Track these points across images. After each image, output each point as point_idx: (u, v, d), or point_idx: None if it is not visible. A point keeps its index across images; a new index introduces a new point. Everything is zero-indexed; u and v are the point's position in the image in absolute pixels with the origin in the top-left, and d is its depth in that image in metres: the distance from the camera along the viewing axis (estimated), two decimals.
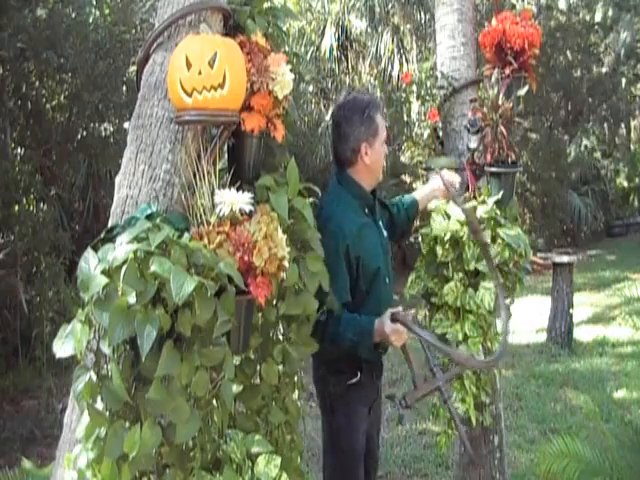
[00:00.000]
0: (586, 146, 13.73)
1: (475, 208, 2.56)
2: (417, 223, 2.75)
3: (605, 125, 15.13)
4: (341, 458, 2.31)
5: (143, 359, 1.38)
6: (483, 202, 2.62)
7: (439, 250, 2.50)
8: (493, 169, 2.69)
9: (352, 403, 2.30)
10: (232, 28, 1.90)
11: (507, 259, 2.53)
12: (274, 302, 1.82)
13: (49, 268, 5.51)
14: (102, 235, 1.62)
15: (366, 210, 2.37)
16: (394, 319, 2.12)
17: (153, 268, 1.39)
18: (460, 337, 2.51)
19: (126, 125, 5.97)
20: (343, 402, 2.28)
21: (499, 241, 2.53)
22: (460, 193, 2.64)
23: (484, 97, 2.77)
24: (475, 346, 2.49)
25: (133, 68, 5.87)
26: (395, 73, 11.39)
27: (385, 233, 2.46)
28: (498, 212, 2.58)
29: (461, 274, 2.51)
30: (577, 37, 12.59)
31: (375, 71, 11.83)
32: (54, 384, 5.04)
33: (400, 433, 4.63)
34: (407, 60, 11.62)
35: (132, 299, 1.39)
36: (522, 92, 2.71)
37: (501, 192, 2.67)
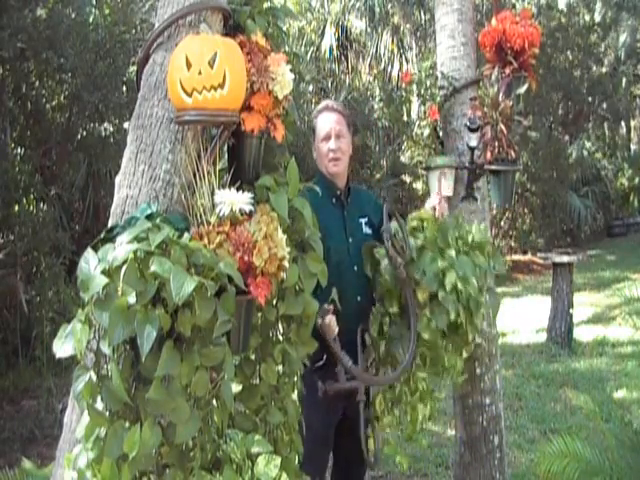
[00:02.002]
0: (586, 146, 13.74)
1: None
2: None
3: (605, 125, 15.15)
4: (306, 437, 2.34)
5: (143, 359, 1.38)
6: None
7: None
8: (493, 167, 2.70)
9: (315, 384, 2.36)
10: (232, 28, 1.89)
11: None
12: (274, 302, 1.82)
13: (49, 268, 5.51)
14: (102, 235, 1.62)
15: (333, 200, 2.57)
16: (321, 314, 2.19)
17: (153, 268, 1.39)
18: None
19: (126, 125, 5.98)
20: (309, 382, 2.30)
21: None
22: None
23: (484, 96, 2.78)
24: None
25: (133, 68, 5.87)
26: (395, 73, 11.40)
27: (366, 230, 2.60)
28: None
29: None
30: (577, 37, 12.59)
31: (375, 71, 11.83)
32: (54, 384, 5.04)
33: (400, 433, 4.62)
34: (407, 60, 11.63)
35: (132, 299, 1.39)
36: (522, 90, 2.71)
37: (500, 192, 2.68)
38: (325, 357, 2.34)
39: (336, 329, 2.25)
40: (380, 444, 2.49)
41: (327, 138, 2.57)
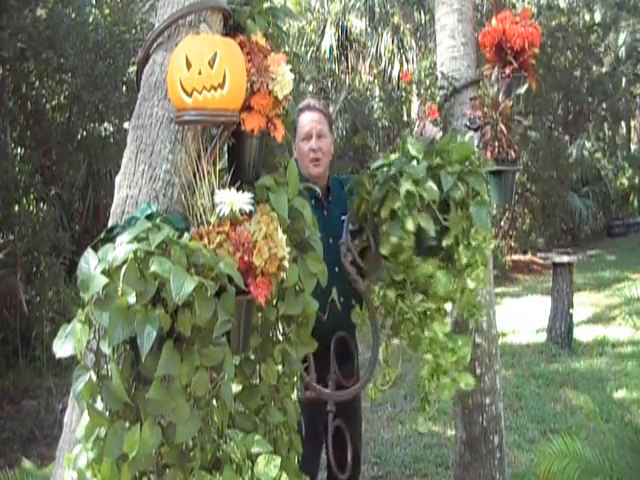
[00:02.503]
0: (586, 146, 13.74)
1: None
2: None
3: (605, 125, 15.15)
4: None
5: (143, 359, 1.38)
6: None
7: None
8: (493, 167, 2.70)
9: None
10: (232, 28, 1.89)
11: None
12: (274, 302, 1.82)
13: (49, 268, 5.52)
14: (102, 235, 1.62)
15: (312, 202, 2.47)
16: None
17: (153, 268, 1.39)
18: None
19: (126, 125, 5.98)
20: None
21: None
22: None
23: (484, 96, 2.78)
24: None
25: (133, 68, 5.87)
26: (395, 73, 11.40)
27: (350, 227, 2.54)
28: None
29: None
30: (577, 37, 12.60)
31: (375, 71, 11.83)
32: (54, 384, 5.04)
33: (400, 433, 4.63)
34: (407, 60, 11.63)
35: (132, 299, 1.39)
36: (522, 90, 2.71)
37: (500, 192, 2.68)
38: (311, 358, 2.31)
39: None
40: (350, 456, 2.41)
41: (308, 137, 2.54)
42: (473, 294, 2.34)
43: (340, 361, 2.40)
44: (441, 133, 2.57)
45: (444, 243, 2.16)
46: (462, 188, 2.14)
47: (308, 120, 2.55)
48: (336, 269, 2.45)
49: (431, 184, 2.09)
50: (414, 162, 2.16)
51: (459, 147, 2.19)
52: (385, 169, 2.24)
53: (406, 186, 2.09)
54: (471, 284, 2.28)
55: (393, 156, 2.29)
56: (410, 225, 2.10)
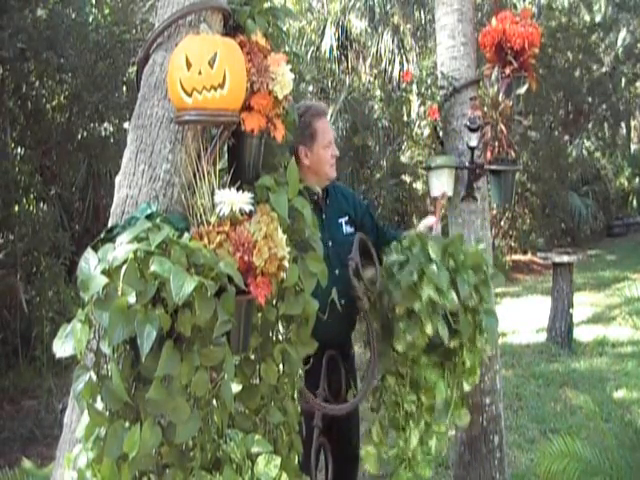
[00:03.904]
0: (586, 146, 13.75)
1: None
2: None
3: (605, 125, 15.15)
4: None
5: (143, 359, 1.38)
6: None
7: None
8: (493, 167, 2.70)
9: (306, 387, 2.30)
10: (232, 28, 1.89)
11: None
12: (274, 302, 1.82)
13: (49, 268, 5.51)
14: (102, 235, 1.62)
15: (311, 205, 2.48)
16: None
17: (153, 268, 1.39)
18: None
19: (126, 125, 5.98)
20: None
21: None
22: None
23: (484, 96, 2.78)
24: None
25: (133, 68, 5.87)
26: (395, 73, 11.39)
27: (347, 229, 2.58)
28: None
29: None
30: (577, 37, 12.60)
31: (375, 71, 11.83)
32: (54, 384, 5.04)
33: None
34: (407, 60, 11.62)
35: (132, 299, 1.39)
36: (522, 90, 2.71)
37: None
38: (312, 361, 2.31)
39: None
40: None
41: (330, 144, 2.54)
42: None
43: (336, 369, 2.42)
44: (440, 227, 2.69)
45: (451, 344, 2.29)
46: (475, 297, 2.27)
47: (328, 127, 2.55)
48: (336, 272, 2.46)
49: (453, 295, 2.21)
50: (434, 267, 2.25)
51: (473, 255, 2.33)
52: (400, 266, 2.32)
53: (428, 292, 2.20)
54: (467, 387, 2.44)
55: (405, 248, 2.38)
56: (429, 329, 2.22)
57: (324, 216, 2.56)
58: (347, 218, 2.60)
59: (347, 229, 2.59)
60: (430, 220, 2.70)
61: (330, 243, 2.48)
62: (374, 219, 2.76)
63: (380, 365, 2.43)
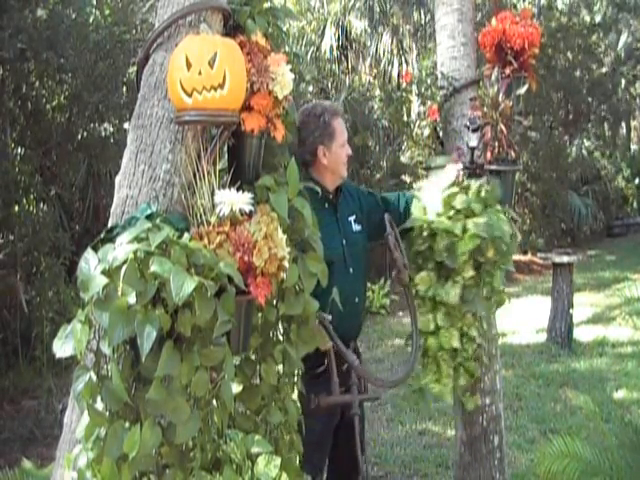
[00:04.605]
0: (586, 146, 13.75)
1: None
2: None
3: (605, 125, 15.15)
4: (307, 440, 2.33)
5: (143, 359, 1.38)
6: (466, 188, 2.55)
7: (414, 239, 2.52)
8: (493, 167, 2.69)
9: (318, 390, 2.33)
10: (232, 28, 1.90)
11: (478, 251, 2.41)
12: (274, 302, 1.82)
13: (49, 268, 5.51)
14: (102, 235, 1.62)
15: (326, 205, 2.52)
16: (319, 321, 2.17)
17: (153, 268, 1.39)
18: (432, 327, 2.50)
19: (126, 125, 5.98)
20: (311, 386, 2.29)
21: (467, 233, 2.42)
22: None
23: (484, 96, 2.77)
24: (445, 337, 2.49)
25: (133, 68, 5.86)
26: (395, 73, 11.40)
27: (356, 227, 2.59)
28: (478, 204, 2.48)
29: (431, 264, 2.49)
30: (577, 38, 12.60)
31: (375, 71, 11.83)
32: (54, 384, 5.03)
33: (400, 433, 4.63)
34: (407, 60, 11.63)
35: (132, 299, 1.39)
36: (522, 91, 2.71)
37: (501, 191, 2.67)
38: (326, 362, 2.32)
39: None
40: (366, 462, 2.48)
41: (344, 144, 2.55)
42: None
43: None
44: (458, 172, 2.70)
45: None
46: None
47: (344, 127, 2.56)
48: (351, 270, 2.49)
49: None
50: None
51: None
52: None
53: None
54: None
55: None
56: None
57: (338, 215, 2.56)
58: (355, 216, 2.60)
59: (356, 227, 2.59)
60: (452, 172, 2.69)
61: (344, 242, 2.51)
62: (377, 199, 2.74)
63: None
